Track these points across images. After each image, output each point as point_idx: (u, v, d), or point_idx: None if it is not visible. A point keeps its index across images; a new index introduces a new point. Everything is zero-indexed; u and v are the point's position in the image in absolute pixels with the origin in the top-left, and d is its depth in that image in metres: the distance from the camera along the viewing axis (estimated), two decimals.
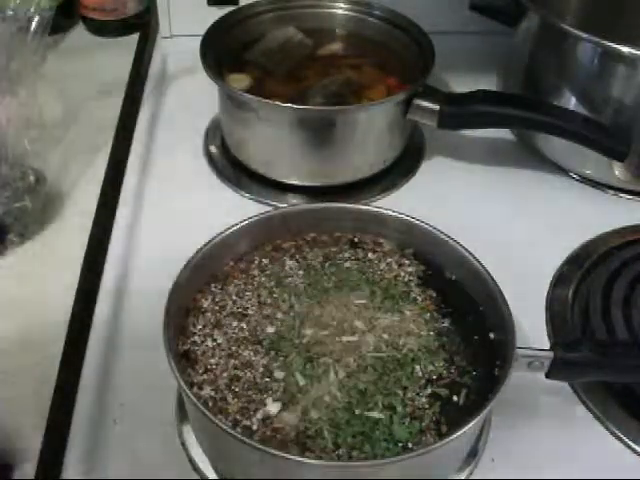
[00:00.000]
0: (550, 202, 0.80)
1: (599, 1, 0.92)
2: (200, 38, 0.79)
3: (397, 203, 0.75)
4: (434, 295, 0.59)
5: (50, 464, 0.53)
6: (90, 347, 0.62)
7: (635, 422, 0.59)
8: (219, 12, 0.87)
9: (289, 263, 0.61)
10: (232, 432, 0.46)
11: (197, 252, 0.57)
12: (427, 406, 0.51)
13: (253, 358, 0.53)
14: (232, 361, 0.53)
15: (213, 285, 0.58)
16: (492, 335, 0.55)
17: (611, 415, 0.59)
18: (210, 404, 0.50)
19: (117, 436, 0.56)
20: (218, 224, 0.60)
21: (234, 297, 0.58)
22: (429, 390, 0.52)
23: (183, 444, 0.56)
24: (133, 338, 0.63)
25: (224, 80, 0.78)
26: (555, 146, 0.81)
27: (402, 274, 0.60)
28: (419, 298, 0.58)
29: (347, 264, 0.61)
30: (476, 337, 0.55)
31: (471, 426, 0.47)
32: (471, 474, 0.55)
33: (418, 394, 0.51)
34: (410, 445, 0.48)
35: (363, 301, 0.57)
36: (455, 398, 0.52)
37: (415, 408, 0.50)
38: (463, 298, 0.58)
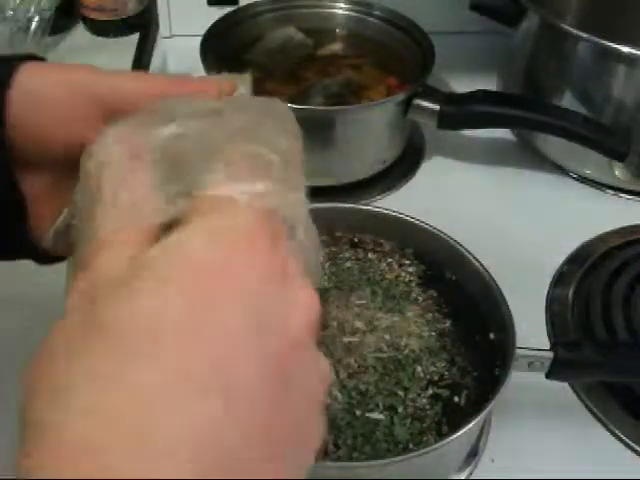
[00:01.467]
0: (550, 202, 0.80)
1: (599, 1, 0.92)
2: (200, 38, 0.79)
3: (397, 203, 0.75)
4: (435, 295, 0.59)
5: None
6: None
7: (635, 422, 0.59)
8: (219, 12, 0.87)
9: None
10: None
11: None
12: (428, 407, 0.51)
13: None
14: None
15: None
16: (492, 335, 0.55)
17: (611, 415, 0.59)
18: None
19: None
20: None
21: None
22: (430, 391, 0.52)
23: None
24: None
25: None
26: (555, 146, 0.81)
27: (403, 274, 0.60)
28: (420, 298, 0.58)
29: (347, 264, 0.61)
30: (477, 337, 0.55)
31: (471, 426, 0.47)
32: (471, 474, 0.55)
33: (419, 395, 0.51)
34: (411, 446, 0.48)
35: (364, 301, 0.57)
36: (456, 399, 0.52)
37: (416, 409, 0.50)
38: (463, 298, 0.58)
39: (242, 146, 0.30)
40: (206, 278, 0.25)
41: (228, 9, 0.88)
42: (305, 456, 0.27)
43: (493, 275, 0.56)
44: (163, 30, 0.99)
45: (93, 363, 0.23)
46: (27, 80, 0.35)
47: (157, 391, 0.22)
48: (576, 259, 0.72)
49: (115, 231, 0.28)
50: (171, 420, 0.22)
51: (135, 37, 1.00)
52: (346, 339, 0.54)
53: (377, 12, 0.88)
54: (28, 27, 0.90)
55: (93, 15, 1.00)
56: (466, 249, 0.58)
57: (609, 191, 0.82)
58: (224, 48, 0.82)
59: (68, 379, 0.23)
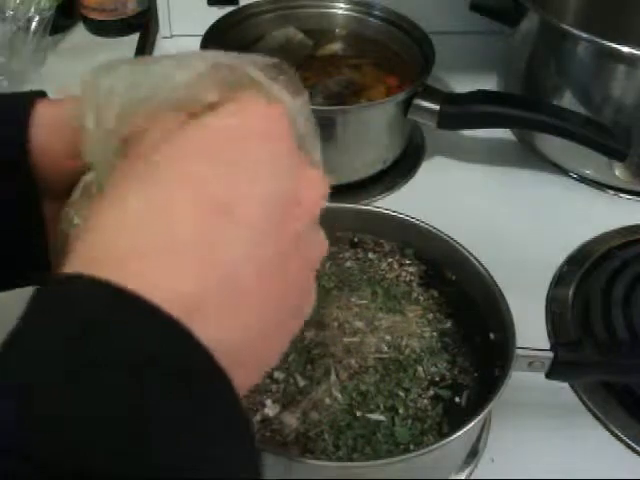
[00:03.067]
0: (550, 202, 0.80)
1: (599, 1, 0.92)
2: (200, 38, 0.79)
3: (397, 203, 0.75)
4: (436, 295, 0.59)
5: None
6: None
7: (635, 422, 0.59)
8: (219, 12, 0.87)
9: None
10: None
11: None
12: (429, 408, 0.51)
13: None
14: None
15: None
16: (492, 335, 0.55)
17: (611, 415, 0.59)
18: None
19: None
20: None
21: None
22: (431, 392, 0.52)
23: None
24: None
25: None
26: (555, 146, 0.81)
27: (403, 274, 0.60)
28: (421, 298, 0.58)
29: (347, 264, 0.61)
30: (477, 337, 0.55)
31: (471, 427, 0.47)
32: (471, 474, 0.55)
33: (420, 396, 0.51)
34: (412, 447, 0.48)
35: (364, 301, 0.57)
36: (457, 399, 0.52)
37: (417, 410, 0.50)
38: (463, 298, 0.58)
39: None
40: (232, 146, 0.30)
41: (228, 9, 0.88)
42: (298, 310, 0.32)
43: (493, 275, 0.56)
44: (163, 30, 0.99)
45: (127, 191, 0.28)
46: (42, 115, 0.40)
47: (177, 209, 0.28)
48: (576, 259, 0.72)
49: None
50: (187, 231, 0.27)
51: (135, 37, 1.00)
52: (346, 339, 0.54)
53: (377, 12, 0.88)
54: (28, 27, 0.90)
55: (93, 15, 1.00)
56: (466, 249, 0.58)
57: (609, 191, 0.82)
58: (224, 48, 0.81)
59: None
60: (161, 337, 0.25)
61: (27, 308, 0.25)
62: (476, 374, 0.53)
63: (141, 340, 0.25)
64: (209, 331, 0.26)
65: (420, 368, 0.53)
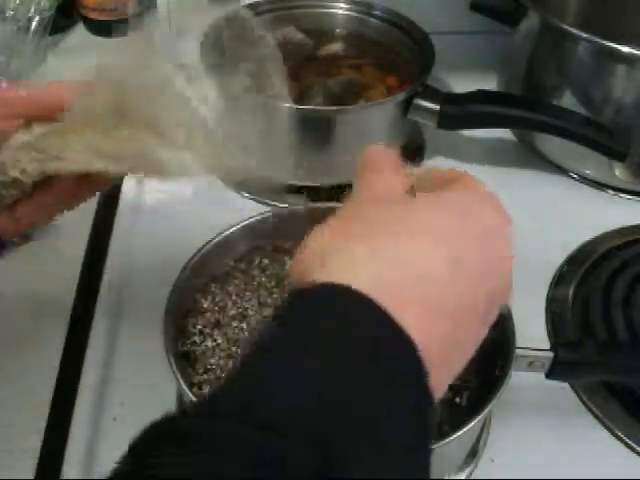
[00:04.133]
0: (550, 202, 0.80)
1: (599, 1, 0.92)
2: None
3: None
4: None
5: (50, 464, 0.53)
6: (90, 347, 0.62)
7: (635, 422, 0.59)
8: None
9: (289, 263, 0.61)
10: None
11: (197, 252, 0.57)
12: None
13: None
14: (232, 361, 0.53)
15: (213, 285, 0.58)
16: (492, 335, 0.55)
17: (611, 415, 0.59)
18: None
19: (117, 435, 0.56)
20: (218, 224, 0.60)
21: (234, 297, 0.58)
22: None
23: None
24: (133, 338, 0.63)
25: None
26: (555, 146, 0.81)
27: None
28: None
29: None
30: None
31: (471, 426, 0.47)
32: (471, 474, 0.55)
33: None
34: None
35: None
36: (457, 399, 0.52)
37: None
38: None
39: None
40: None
41: None
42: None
43: None
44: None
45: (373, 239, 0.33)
46: None
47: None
48: (576, 259, 0.72)
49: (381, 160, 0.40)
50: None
51: None
52: None
53: (377, 12, 0.88)
54: (28, 27, 0.90)
55: (93, 15, 1.00)
56: None
57: (609, 191, 0.82)
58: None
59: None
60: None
61: (285, 307, 0.31)
62: (476, 374, 0.53)
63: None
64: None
65: None
